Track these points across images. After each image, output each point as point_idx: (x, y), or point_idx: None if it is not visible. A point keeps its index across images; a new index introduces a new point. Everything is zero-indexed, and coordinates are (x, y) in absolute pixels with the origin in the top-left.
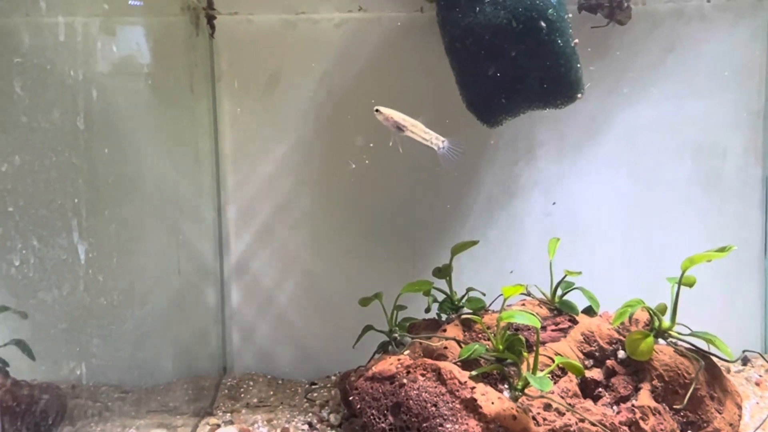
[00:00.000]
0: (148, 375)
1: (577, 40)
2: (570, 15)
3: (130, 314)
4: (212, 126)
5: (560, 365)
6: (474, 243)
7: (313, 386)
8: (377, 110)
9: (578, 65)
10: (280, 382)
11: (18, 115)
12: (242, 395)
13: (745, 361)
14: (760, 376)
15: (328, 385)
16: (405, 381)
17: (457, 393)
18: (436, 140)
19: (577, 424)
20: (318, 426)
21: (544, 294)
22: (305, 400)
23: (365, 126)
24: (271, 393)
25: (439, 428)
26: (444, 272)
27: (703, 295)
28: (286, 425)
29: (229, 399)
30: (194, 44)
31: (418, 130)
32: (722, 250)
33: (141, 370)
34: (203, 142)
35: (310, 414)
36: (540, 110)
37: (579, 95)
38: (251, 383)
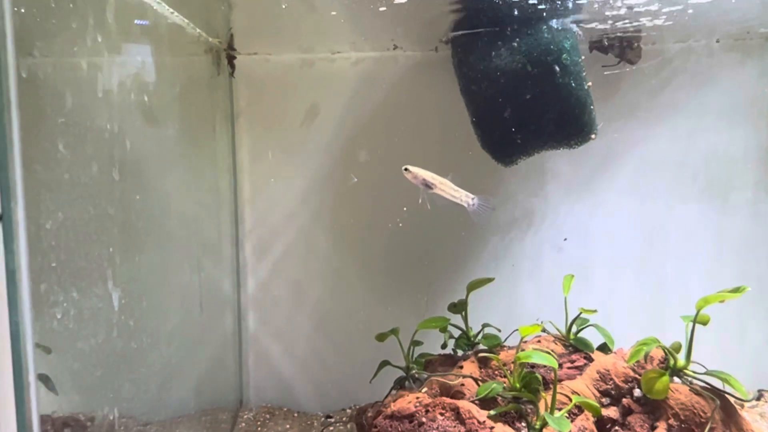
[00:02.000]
0: (170, 410)
1: (590, 83)
2: (583, 57)
3: (157, 355)
4: (232, 163)
5: (577, 404)
6: (490, 280)
7: (329, 419)
8: (406, 169)
9: (592, 107)
10: (296, 414)
11: (62, 172)
12: (259, 428)
13: (759, 396)
14: None
15: (344, 419)
16: (424, 420)
17: None
18: (465, 197)
19: None
20: None
21: (558, 330)
22: None
23: (381, 162)
24: (288, 426)
25: None
26: (459, 307)
27: (715, 331)
28: None
29: None
30: (216, 84)
31: (446, 187)
32: (736, 290)
33: (164, 407)
34: (223, 179)
35: None
36: (555, 149)
37: (592, 136)
38: (268, 416)
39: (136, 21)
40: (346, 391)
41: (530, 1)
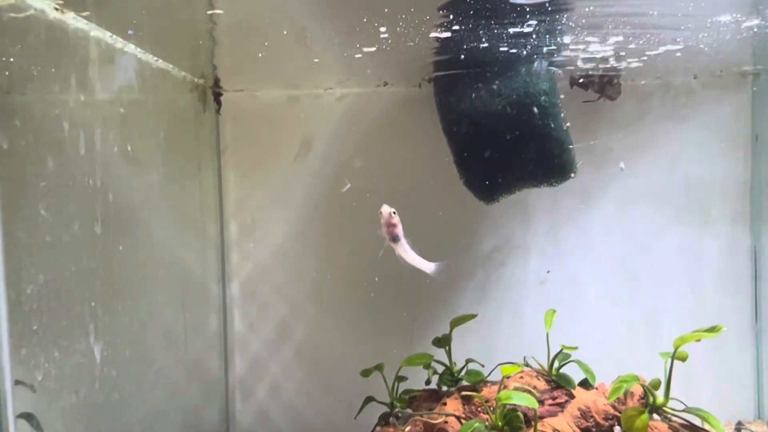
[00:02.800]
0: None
1: (569, 124)
2: (562, 96)
3: (140, 402)
4: (218, 199)
5: None
6: (473, 317)
7: None
8: (385, 212)
9: (570, 146)
10: None
11: (43, 235)
12: None
13: (738, 427)
14: None
15: None
16: None
17: None
18: (424, 265)
19: None
20: None
21: (541, 365)
22: None
23: (366, 197)
24: None
25: None
26: (443, 342)
27: (696, 363)
28: None
29: None
30: (202, 120)
31: (408, 252)
32: (712, 330)
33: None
34: (209, 216)
35: None
36: (535, 187)
37: (572, 175)
38: None
39: (118, 74)
40: (334, 427)
41: (502, 49)
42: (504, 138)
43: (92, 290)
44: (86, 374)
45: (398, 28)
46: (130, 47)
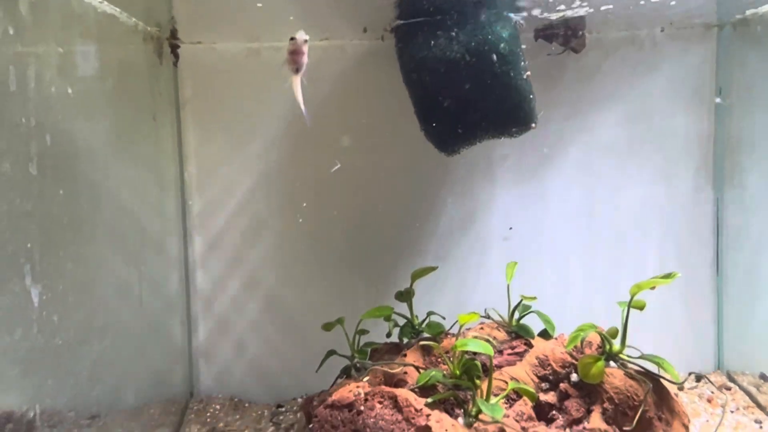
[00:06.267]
0: (112, 401)
1: (529, 72)
2: (524, 46)
3: (87, 351)
4: (177, 154)
5: (515, 390)
6: (433, 269)
7: (279, 409)
8: (299, 38)
9: (531, 96)
10: (246, 405)
11: None
12: (209, 419)
13: (698, 378)
14: (712, 392)
15: (294, 408)
16: (362, 408)
17: (412, 420)
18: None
19: None
20: None
21: (501, 317)
22: (271, 423)
23: (329, 151)
24: (238, 417)
25: None
26: (405, 296)
27: (657, 315)
28: None
29: (196, 423)
30: (157, 74)
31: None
32: (667, 276)
33: (102, 402)
34: (168, 170)
35: None
36: (496, 138)
37: (533, 125)
38: (218, 407)
39: (54, 13)
40: (297, 380)
41: None
42: (463, 87)
43: (27, 232)
44: (21, 316)
45: None
46: None
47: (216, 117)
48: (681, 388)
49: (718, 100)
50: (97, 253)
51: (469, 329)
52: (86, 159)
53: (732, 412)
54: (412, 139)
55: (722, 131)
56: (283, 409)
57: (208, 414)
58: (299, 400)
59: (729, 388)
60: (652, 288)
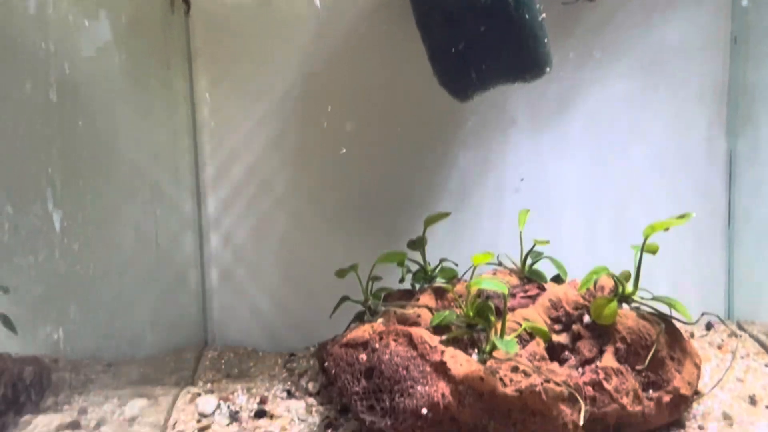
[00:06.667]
0: (129, 347)
1: (544, 15)
2: None
3: (107, 284)
4: (190, 104)
5: (527, 330)
6: (446, 215)
7: (292, 357)
8: None
9: (546, 39)
10: (260, 354)
11: None
12: (223, 366)
13: (708, 326)
14: (723, 340)
15: (307, 356)
16: (377, 346)
17: (427, 357)
18: None
19: (542, 384)
20: (296, 393)
21: (514, 263)
22: (284, 370)
23: (342, 101)
24: (252, 364)
25: (410, 390)
26: (418, 244)
27: (669, 266)
28: (266, 393)
29: (210, 370)
30: (170, 22)
31: None
32: (681, 217)
33: (120, 341)
34: (181, 119)
35: (289, 383)
36: (510, 84)
37: (547, 69)
38: (232, 355)
39: None
40: (310, 330)
41: None
42: (477, 30)
43: (48, 156)
44: (44, 239)
45: None
46: None
47: (228, 68)
48: (692, 336)
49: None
50: (115, 191)
51: (481, 275)
52: (103, 95)
53: (742, 357)
54: (425, 91)
55: (737, 81)
56: (296, 357)
57: (223, 362)
58: (312, 349)
59: (739, 336)
60: (666, 229)
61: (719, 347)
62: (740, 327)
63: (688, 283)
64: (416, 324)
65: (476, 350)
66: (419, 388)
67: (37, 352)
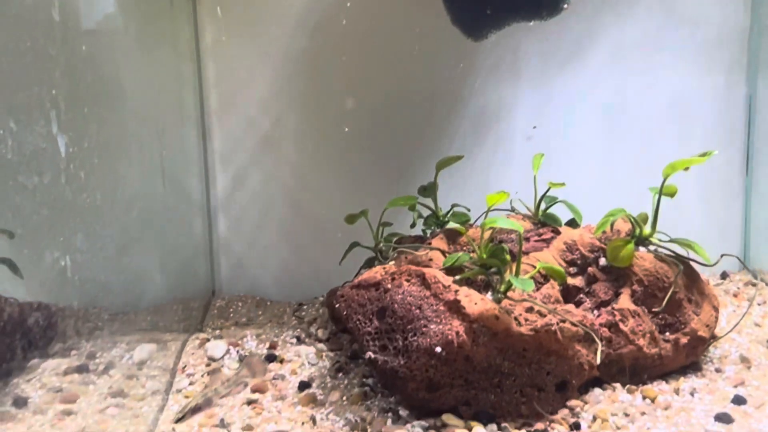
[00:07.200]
0: (137, 291)
1: None
2: None
3: (114, 217)
4: (194, 45)
5: (542, 272)
6: (459, 158)
7: (302, 306)
8: None
9: None
10: (269, 303)
11: None
12: (231, 315)
13: (723, 275)
14: (738, 288)
15: (316, 305)
16: (390, 286)
17: (440, 296)
18: None
19: (558, 324)
20: (306, 340)
21: (528, 209)
22: (294, 317)
23: (351, 44)
24: (260, 313)
25: (423, 329)
26: (429, 190)
27: (686, 214)
28: (275, 339)
29: (219, 318)
30: None
31: None
32: (703, 155)
33: (128, 277)
34: (185, 66)
35: (299, 330)
36: (526, 22)
37: (564, 6)
38: (240, 304)
39: None
40: (320, 280)
41: None
42: None
43: (51, 77)
44: (50, 162)
45: None
46: None
47: (233, 14)
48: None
49: None
50: (121, 123)
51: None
52: (107, 21)
53: (759, 305)
54: (436, 35)
55: (758, 24)
56: (305, 307)
57: (231, 310)
58: (321, 299)
59: (755, 285)
60: (686, 168)
61: (735, 295)
62: (755, 276)
63: (704, 232)
64: (428, 266)
65: (490, 291)
66: (433, 327)
67: (45, 299)
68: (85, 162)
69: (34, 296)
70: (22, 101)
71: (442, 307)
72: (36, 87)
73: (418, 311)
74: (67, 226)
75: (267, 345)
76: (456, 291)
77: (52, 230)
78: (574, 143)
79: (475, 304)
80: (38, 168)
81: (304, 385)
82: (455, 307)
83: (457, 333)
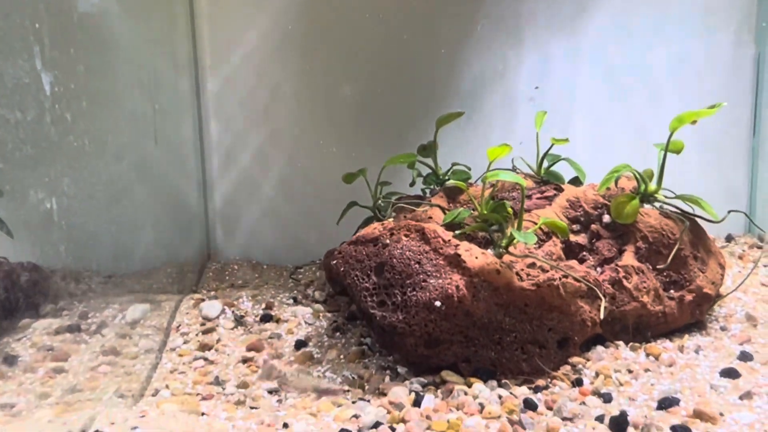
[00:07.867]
0: (128, 244)
1: None
2: None
3: (103, 165)
4: (189, 19)
5: (545, 228)
6: (460, 114)
7: (298, 269)
8: None
9: None
10: (265, 267)
11: None
12: (227, 277)
13: (729, 238)
14: (744, 250)
15: (314, 268)
16: (388, 242)
17: (440, 251)
18: None
19: (560, 279)
20: (303, 301)
21: (530, 167)
22: (290, 279)
23: (348, 11)
24: (257, 275)
25: (423, 284)
26: (429, 150)
27: (691, 176)
28: (271, 300)
29: (214, 281)
30: None
31: None
32: (712, 107)
33: (118, 228)
34: (179, 17)
35: (296, 291)
36: None
37: None
38: (236, 267)
39: None
40: (317, 243)
41: None
42: None
43: (35, 9)
44: (33, 99)
45: None
46: None
47: None
48: None
49: None
50: (109, 72)
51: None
52: None
53: (765, 266)
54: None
55: None
56: (302, 269)
57: (227, 273)
58: (318, 262)
59: (760, 248)
60: (694, 122)
61: (740, 257)
62: (761, 239)
63: (709, 195)
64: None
65: (491, 247)
66: (432, 281)
67: (33, 252)
68: (72, 104)
69: (24, 253)
70: (2, 29)
71: (441, 262)
72: (17, 16)
73: (417, 266)
74: (53, 168)
75: (263, 306)
76: (456, 245)
77: (37, 170)
78: (577, 105)
79: (476, 258)
80: (21, 104)
81: (300, 344)
82: (455, 261)
83: (457, 287)
